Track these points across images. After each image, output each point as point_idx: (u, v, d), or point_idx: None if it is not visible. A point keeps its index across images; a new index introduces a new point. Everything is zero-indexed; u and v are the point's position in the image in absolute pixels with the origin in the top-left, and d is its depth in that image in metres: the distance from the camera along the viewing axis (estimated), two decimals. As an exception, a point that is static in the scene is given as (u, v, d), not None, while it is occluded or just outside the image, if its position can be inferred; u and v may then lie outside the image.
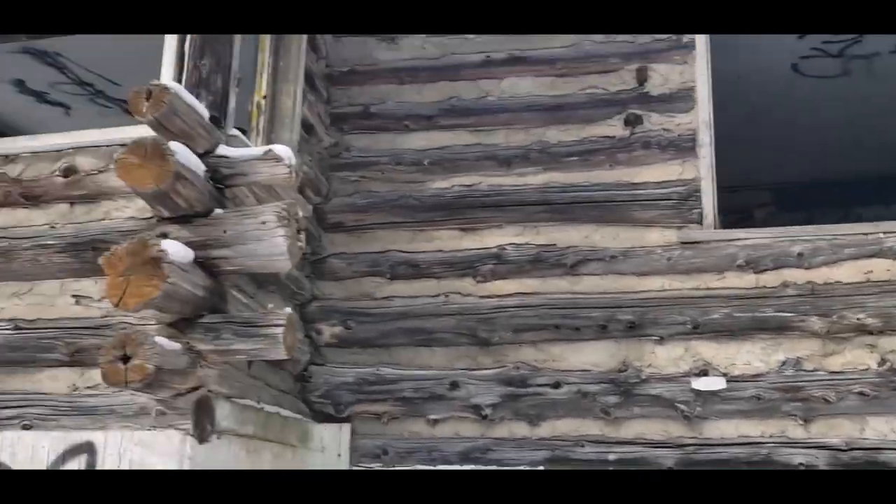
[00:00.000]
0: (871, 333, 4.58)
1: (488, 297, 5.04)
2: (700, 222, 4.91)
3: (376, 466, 4.94)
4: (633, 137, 5.10)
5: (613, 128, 5.14)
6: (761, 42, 5.80)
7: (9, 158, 4.38)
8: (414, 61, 5.49)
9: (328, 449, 4.97)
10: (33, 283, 4.22)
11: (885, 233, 4.69)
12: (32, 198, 4.33)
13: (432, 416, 4.95)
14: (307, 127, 5.10)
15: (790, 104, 6.68)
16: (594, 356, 4.86)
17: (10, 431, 3.97)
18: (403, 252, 5.21)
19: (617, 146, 5.11)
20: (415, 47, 5.51)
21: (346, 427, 5.00)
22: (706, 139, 5.05)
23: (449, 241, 5.18)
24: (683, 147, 5.04)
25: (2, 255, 4.26)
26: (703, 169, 5.00)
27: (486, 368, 4.95)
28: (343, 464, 4.95)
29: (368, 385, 5.05)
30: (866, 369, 4.54)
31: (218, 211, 3.85)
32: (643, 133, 5.10)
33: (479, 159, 5.24)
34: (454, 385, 4.95)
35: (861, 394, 4.51)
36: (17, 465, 3.89)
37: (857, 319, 4.58)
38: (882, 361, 4.54)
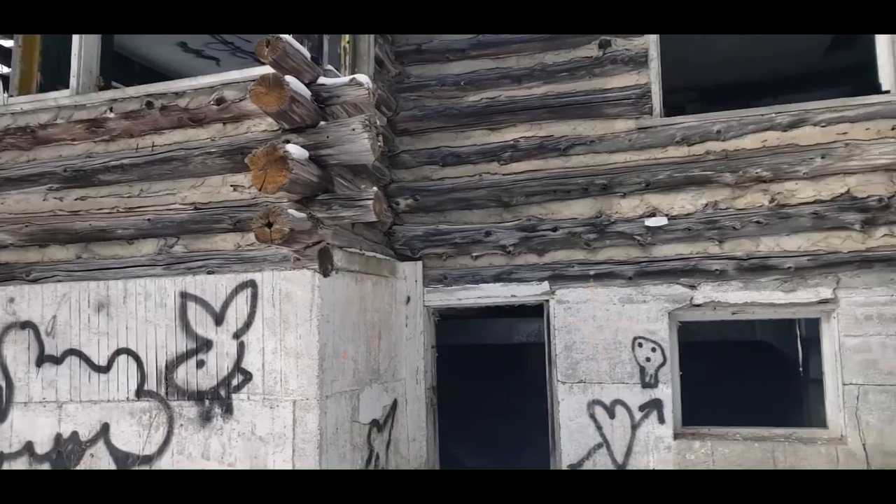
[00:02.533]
0: (764, 182, 4.65)
1: (508, 174, 5.09)
2: (651, 113, 4.91)
3: (440, 287, 5.12)
4: (605, 56, 5.02)
5: (591, 50, 5.05)
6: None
7: (178, 94, 4.29)
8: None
9: (409, 277, 5.15)
10: (204, 179, 4.27)
11: (776, 113, 4.71)
12: (197, 121, 4.28)
13: (475, 254, 5.12)
14: (379, 62, 5.03)
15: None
16: (579, 209, 4.95)
17: (200, 276, 4.16)
18: (450, 147, 5.24)
19: (594, 63, 5.03)
20: (451, 2, 5.31)
21: (420, 263, 5.18)
22: (655, 55, 5.00)
23: (480, 137, 5.18)
24: (639, 62, 4.97)
25: (181, 160, 4.26)
26: (652, 76, 4.96)
27: (508, 222, 5.06)
28: (419, 286, 5.13)
29: (432, 236, 5.19)
30: (760, 206, 4.64)
31: (322, 123, 3.89)
32: (611, 53, 5.01)
33: (498, 78, 5.19)
34: (488, 233, 5.09)
35: (757, 223, 4.63)
36: (206, 297, 4.08)
37: (756, 173, 4.65)
38: (772, 200, 4.63)
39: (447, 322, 5.39)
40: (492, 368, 6.17)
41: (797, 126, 4.63)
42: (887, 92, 4.63)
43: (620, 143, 4.92)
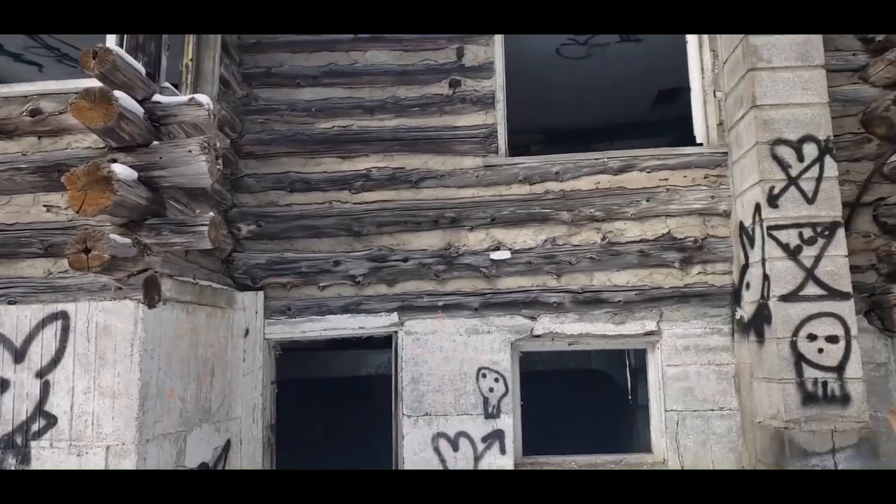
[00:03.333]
0: (597, 221, 4.94)
1: (359, 203, 5.03)
2: (497, 153, 5.08)
3: (283, 319, 4.90)
4: (455, 95, 5.13)
5: (442, 88, 5.15)
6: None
7: (-20, 102, 3.95)
8: (303, 36, 5.20)
9: (248, 308, 4.87)
10: (10, 196, 3.95)
11: (608, 158, 5.04)
12: (6, 132, 3.96)
13: (322, 284, 4.98)
14: (224, 82, 4.82)
15: (554, 76, 6.79)
16: (429, 240, 4.99)
17: (-2, 306, 3.74)
18: (299, 173, 5.10)
19: (444, 101, 5.13)
20: (304, 27, 5.22)
21: (261, 293, 4.94)
22: (501, 97, 5.19)
23: (332, 165, 5.09)
24: (487, 103, 5.13)
25: (-22, 176, 3.90)
26: (499, 117, 5.14)
27: (358, 251, 5.00)
28: (259, 318, 4.86)
29: (276, 265, 4.99)
30: (594, 243, 4.92)
31: (155, 143, 3.67)
32: (461, 92, 5.14)
33: (351, 108, 5.14)
34: (336, 262, 4.98)
35: (591, 258, 4.90)
36: (4, 330, 3.72)
37: (590, 213, 4.93)
38: (604, 238, 4.92)
39: (291, 355, 5.14)
40: (339, 401, 6.00)
41: (626, 171, 5.00)
42: (700, 145, 5.16)
43: (469, 178, 5.05)
